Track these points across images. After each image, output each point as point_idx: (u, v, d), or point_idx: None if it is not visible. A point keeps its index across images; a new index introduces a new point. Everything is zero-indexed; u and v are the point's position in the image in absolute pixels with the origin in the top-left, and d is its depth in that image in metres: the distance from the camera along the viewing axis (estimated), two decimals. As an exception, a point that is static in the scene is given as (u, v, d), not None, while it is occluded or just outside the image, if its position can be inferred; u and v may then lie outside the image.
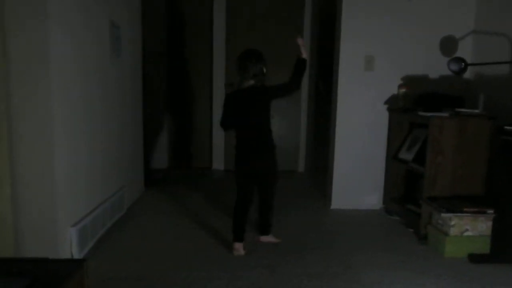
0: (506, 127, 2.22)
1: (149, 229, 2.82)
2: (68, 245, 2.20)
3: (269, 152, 2.44)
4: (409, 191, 3.15)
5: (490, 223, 2.43)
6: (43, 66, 2.00)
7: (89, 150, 2.47)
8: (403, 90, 3.08)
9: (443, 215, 2.46)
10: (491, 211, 2.43)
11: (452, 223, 2.43)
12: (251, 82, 2.39)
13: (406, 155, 3.04)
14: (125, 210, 3.09)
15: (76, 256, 2.22)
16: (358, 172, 3.29)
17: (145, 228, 2.83)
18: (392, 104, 3.20)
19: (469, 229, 2.44)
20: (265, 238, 2.60)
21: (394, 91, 3.17)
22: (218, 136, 4.61)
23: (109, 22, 2.73)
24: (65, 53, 2.15)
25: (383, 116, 3.24)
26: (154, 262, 2.29)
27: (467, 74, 3.08)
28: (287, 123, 4.59)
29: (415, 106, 2.91)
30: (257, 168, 2.42)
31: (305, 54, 2.46)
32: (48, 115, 2.03)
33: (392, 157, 3.19)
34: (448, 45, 3.18)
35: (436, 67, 3.14)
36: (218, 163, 4.66)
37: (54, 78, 2.03)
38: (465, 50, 3.13)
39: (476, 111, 2.76)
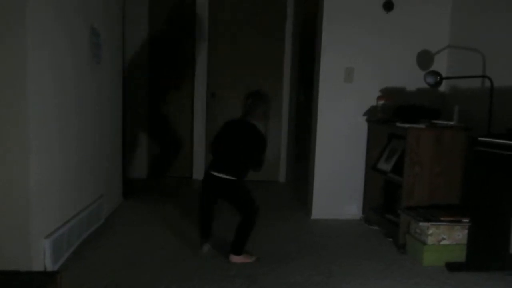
0: (480, 138, 2.29)
1: (127, 240, 2.76)
2: (42, 257, 2.12)
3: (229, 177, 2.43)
4: (388, 201, 3.19)
5: (466, 232, 2.49)
6: (19, 74, 1.95)
7: (64, 159, 2.41)
8: (381, 101, 3.14)
9: (421, 224, 2.50)
10: (466, 220, 2.49)
11: (430, 232, 2.47)
12: (254, 121, 2.52)
13: (385, 165, 3.09)
14: (103, 220, 3.01)
15: (50, 268, 2.14)
16: (338, 182, 3.32)
17: (123, 239, 2.76)
18: (371, 115, 3.26)
19: (446, 238, 2.49)
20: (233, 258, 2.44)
21: (373, 102, 3.24)
22: (199, 146, 4.58)
23: (89, 28, 2.70)
24: (42, 59, 2.11)
25: (362, 127, 3.30)
26: (132, 274, 2.24)
27: (443, 87, 3.18)
28: (267, 133, 4.61)
29: (393, 118, 2.98)
30: (211, 183, 2.50)
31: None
32: (22, 122, 1.98)
33: (371, 167, 3.24)
34: (424, 59, 3.28)
35: (413, 80, 3.23)
36: (199, 173, 4.61)
37: (30, 86, 1.98)
38: (440, 64, 3.23)
39: (452, 122, 2.85)
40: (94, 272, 2.24)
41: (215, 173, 2.45)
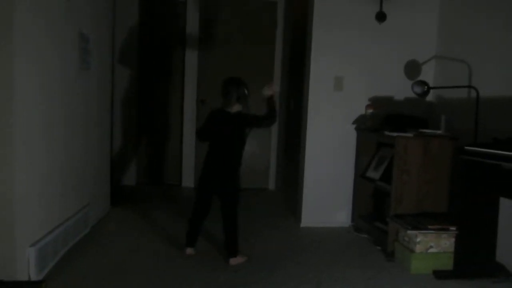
0: (466, 147, 2.33)
1: (114, 248, 2.72)
2: (26, 266, 2.07)
3: (226, 171, 2.56)
4: (377, 209, 3.21)
5: (453, 240, 2.51)
6: (5, 81, 1.92)
7: (50, 167, 2.37)
8: (370, 110, 3.18)
9: (409, 232, 2.52)
10: (453, 228, 2.51)
11: (418, 240, 2.49)
12: (237, 106, 2.57)
13: (374, 173, 3.11)
14: (90, 228, 2.97)
15: (35, 277, 2.09)
16: (328, 190, 3.34)
17: (110, 247, 2.72)
18: (360, 123, 3.29)
19: (434, 246, 2.51)
20: (233, 261, 2.52)
21: (362, 111, 3.27)
22: (188, 153, 4.56)
23: (78, 34, 2.68)
24: (29, 65, 2.08)
25: (351, 135, 3.33)
26: (119, 283, 2.20)
27: (430, 97, 3.23)
28: (257, 140, 4.61)
29: (382, 126, 3.01)
30: (211, 183, 2.58)
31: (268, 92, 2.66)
32: (7, 129, 1.94)
33: (360, 175, 3.26)
34: (412, 69, 3.33)
35: (401, 89, 3.28)
36: (188, 181, 4.59)
37: (16, 93, 1.95)
38: (427, 74, 3.29)
39: (439, 131, 2.89)
40: (80, 281, 2.20)
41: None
